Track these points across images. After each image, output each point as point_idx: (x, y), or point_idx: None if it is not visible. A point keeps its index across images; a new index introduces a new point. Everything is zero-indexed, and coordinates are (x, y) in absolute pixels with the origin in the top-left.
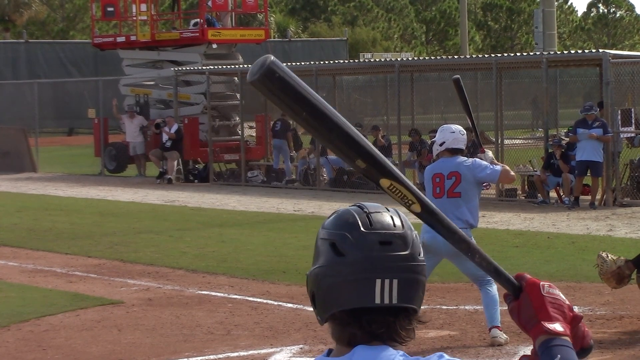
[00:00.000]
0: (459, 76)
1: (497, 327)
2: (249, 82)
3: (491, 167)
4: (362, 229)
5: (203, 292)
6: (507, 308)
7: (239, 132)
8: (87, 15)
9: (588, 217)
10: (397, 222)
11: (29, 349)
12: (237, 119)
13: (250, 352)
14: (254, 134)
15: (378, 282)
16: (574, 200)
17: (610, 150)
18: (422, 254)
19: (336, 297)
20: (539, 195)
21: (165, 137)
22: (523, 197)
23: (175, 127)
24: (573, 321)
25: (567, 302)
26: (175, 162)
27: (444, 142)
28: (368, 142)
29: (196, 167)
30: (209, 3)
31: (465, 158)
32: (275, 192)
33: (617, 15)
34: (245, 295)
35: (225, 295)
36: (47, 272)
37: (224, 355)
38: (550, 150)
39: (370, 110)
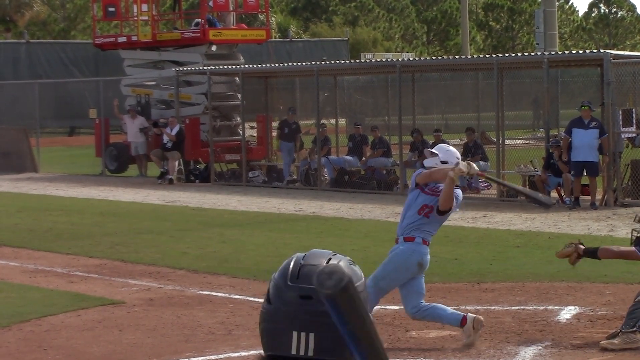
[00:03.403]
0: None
1: (464, 319)
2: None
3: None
4: (288, 281)
5: (204, 292)
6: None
7: (240, 132)
8: (88, 15)
9: (589, 218)
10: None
11: (30, 349)
12: (238, 119)
13: (252, 352)
14: (255, 134)
15: (294, 334)
16: (574, 201)
17: (611, 150)
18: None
19: (264, 341)
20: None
21: (166, 137)
22: (524, 198)
23: (177, 128)
24: None
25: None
26: (177, 163)
27: (448, 163)
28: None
29: (197, 167)
30: (210, 3)
31: None
32: (276, 192)
33: (619, 15)
34: (247, 295)
35: (227, 295)
36: (48, 272)
37: (225, 355)
38: (550, 151)
39: (371, 111)
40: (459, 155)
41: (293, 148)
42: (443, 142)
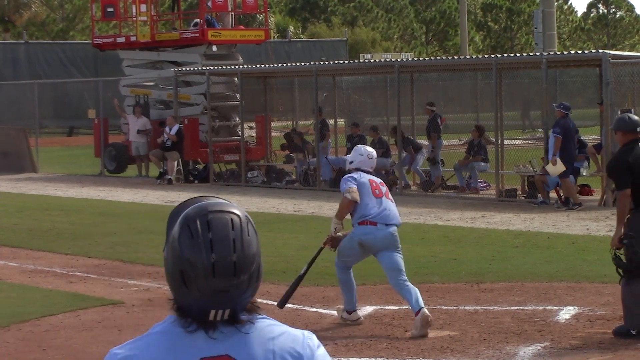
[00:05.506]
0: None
1: (418, 313)
2: None
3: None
4: (203, 277)
5: None
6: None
7: (239, 132)
8: (86, 15)
9: (588, 218)
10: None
11: (30, 350)
12: (237, 119)
13: None
14: (254, 135)
15: (212, 311)
16: (563, 201)
17: (610, 150)
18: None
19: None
20: (539, 195)
21: (165, 135)
22: (523, 198)
23: (176, 128)
24: None
25: None
26: (176, 163)
27: (352, 162)
28: None
29: (196, 167)
30: (209, 3)
31: None
32: (275, 192)
33: (617, 15)
34: None
35: None
36: (47, 272)
37: None
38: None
39: (370, 111)
40: (367, 154)
41: (326, 146)
42: (435, 117)
